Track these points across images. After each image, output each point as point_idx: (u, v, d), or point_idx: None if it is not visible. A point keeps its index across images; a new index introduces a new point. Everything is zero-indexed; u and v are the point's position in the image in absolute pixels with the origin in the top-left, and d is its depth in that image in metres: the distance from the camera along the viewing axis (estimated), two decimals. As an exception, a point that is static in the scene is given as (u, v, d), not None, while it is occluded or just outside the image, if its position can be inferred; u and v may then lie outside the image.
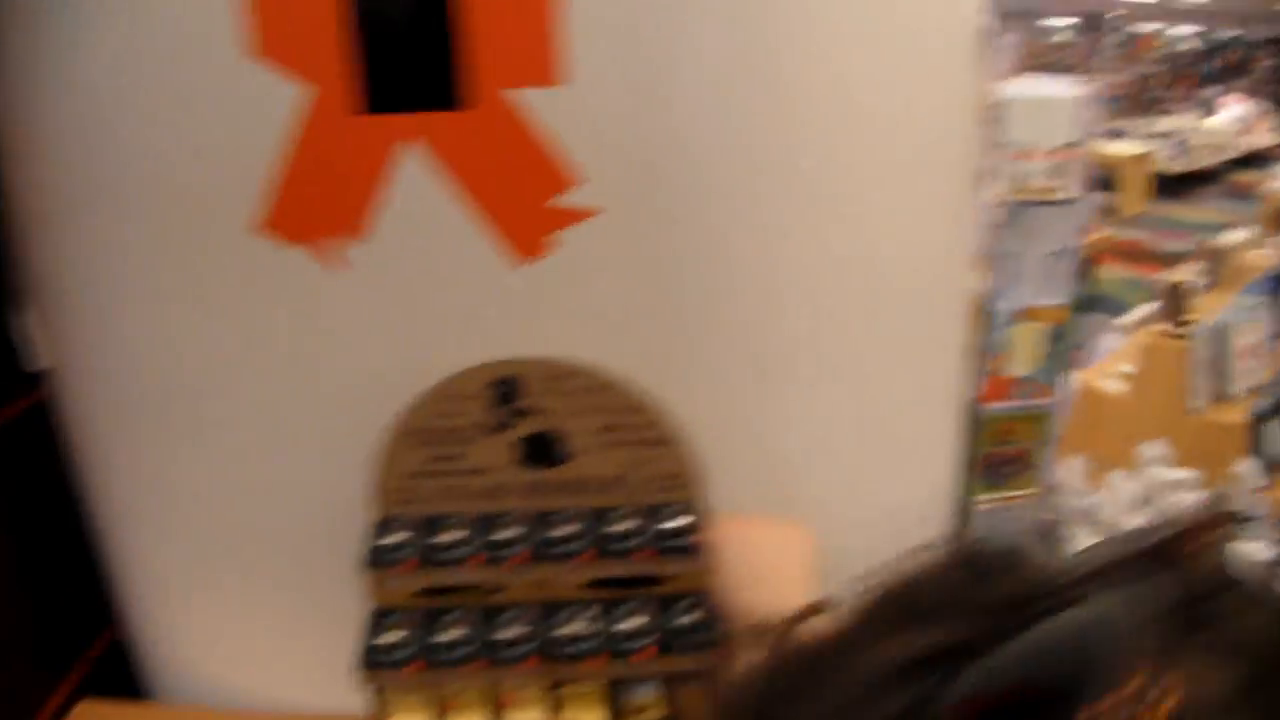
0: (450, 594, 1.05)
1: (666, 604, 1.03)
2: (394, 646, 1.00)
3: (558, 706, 1.03)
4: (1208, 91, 9.57)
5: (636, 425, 1.07)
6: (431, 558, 1.04)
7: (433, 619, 1.03)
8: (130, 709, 1.32)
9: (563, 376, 1.05)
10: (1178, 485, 1.89)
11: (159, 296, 1.09)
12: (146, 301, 1.10)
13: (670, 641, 1.00)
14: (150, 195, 1.04)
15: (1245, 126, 9.38)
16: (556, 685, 1.02)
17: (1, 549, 1.35)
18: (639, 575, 1.05)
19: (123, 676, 1.42)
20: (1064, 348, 1.51)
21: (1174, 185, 8.34)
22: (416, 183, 1.00)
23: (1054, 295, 1.47)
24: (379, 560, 1.04)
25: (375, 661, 1.00)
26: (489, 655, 0.99)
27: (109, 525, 1.28)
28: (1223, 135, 9.07)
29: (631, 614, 1.02)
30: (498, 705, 1.04)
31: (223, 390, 1.12)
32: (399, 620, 1.03)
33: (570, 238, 1.02)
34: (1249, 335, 2.31)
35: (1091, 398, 2.44)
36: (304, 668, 1.28)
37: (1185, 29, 9.80)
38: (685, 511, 1.07)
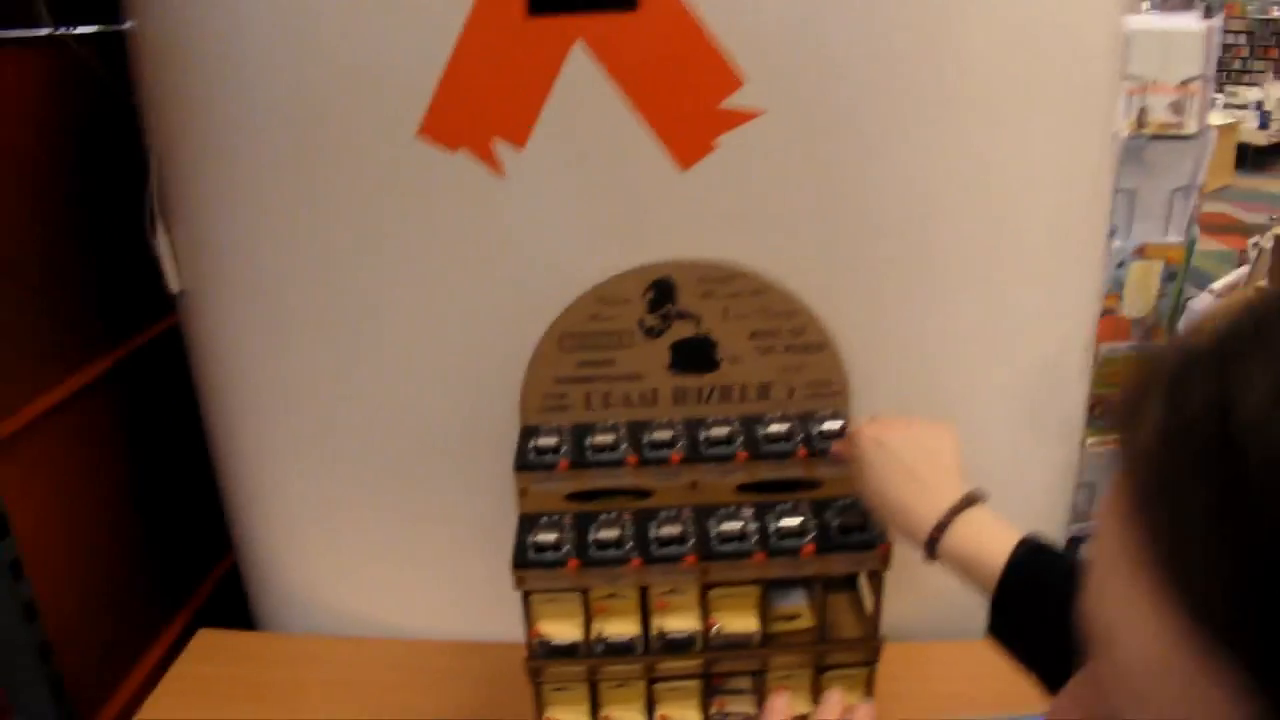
0: (601, 499, 1.07)
1: (821, 506, 1.05)
2: (549, 545, 1.01)
3: (710, 612, 1.05)
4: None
5: (789, 331, 1.09)
6: (584, 460, 1.05)
7: (586, 522, 1.05)
8: (250, 637, 1.34)
9: (718, 280, 1.07)
10: None
11: (308, 208, 1.11)
12: (291, 213, 1.13)
13: (828, 541, 1.01)
14: (308, 103, 1.06)
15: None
16: (709, 588, 1.04)
17: (131, 473, 1.38)
18: (793, 479, 1.07)
19: (240, 607, 1.44)
20: (1178, 289, 1.52)
21: (1258, 157, 8.15)
22: (579, 85, 1.01)
23: (1172, 233, 1.48)
24: (531, 463, 1.05)
25: (530, 560, 1.01)
26: (645, 554, 1.01)
27: (236, 449, 1.31)
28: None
29: (787, 514, 1.03)
30: (647, 612, 1.05)
31: (371, 300, 1.14)
32: (552, 523, 1.05)
33: (729, 141, 1.03)
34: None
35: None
36: (431, 593, 1.31)
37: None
38: (837, 416, 1.09)
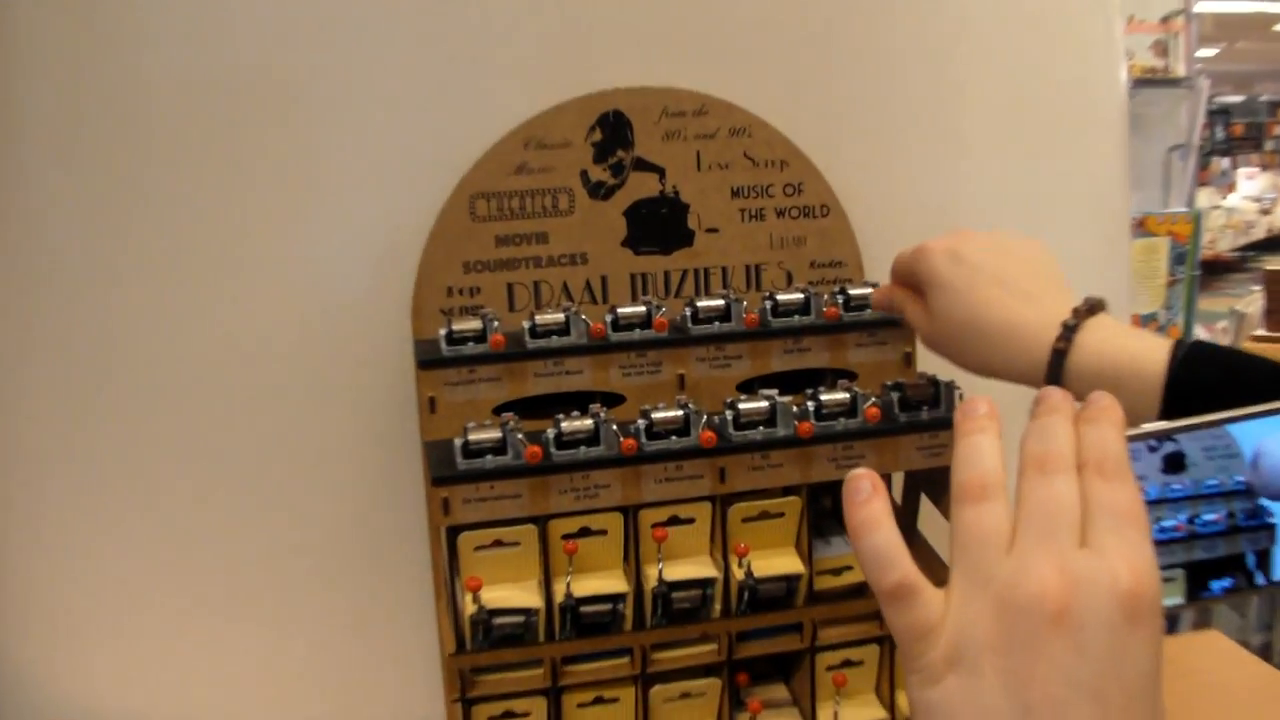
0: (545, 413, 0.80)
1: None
2: (488, 446, 0.74)
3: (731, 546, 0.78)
4: (1219, 165, 8.56)
5: (783, 187, 0.91)
6: (523, 347, 0.81)
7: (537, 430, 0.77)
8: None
9: (687, 114, 0.88)
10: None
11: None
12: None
13: (894, 417, 0.79)
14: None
15: (1267, 204, 8.53)
16: (726, 504, 0.78)
17: None
18: (817, 369, 0.85)
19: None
20: (1190, 274, 1.43)
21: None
22: None
23: (1175, 202, 1.40)
24: (444, 357, 0.78)
25: (460, 472, 0.72)
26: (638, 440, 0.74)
27: None
28: (1243, 215, 8.12)
29: (826, 391, 0.80)
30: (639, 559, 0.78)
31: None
32: (486, 425, 0.75)
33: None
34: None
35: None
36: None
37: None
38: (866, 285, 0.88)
